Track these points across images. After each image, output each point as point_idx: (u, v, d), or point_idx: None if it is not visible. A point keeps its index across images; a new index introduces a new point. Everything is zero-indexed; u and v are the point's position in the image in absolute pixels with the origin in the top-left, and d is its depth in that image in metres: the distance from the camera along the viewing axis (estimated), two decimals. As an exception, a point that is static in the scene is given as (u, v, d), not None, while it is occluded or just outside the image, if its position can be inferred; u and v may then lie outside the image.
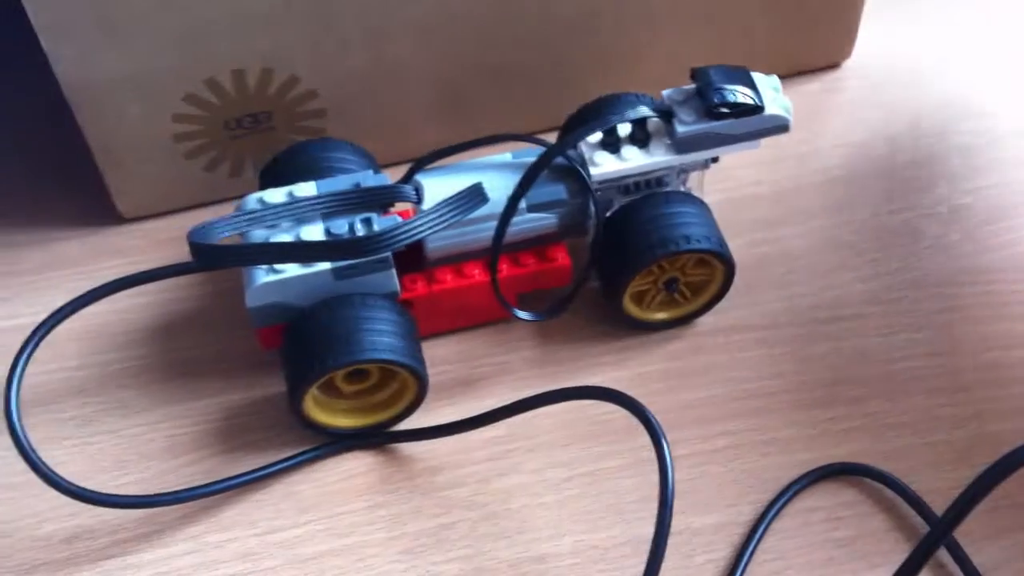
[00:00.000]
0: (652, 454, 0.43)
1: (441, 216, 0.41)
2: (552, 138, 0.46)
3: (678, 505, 0.42)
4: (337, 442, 0.44)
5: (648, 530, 0.41)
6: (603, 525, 0.42)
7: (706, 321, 0.47)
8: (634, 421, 0.44)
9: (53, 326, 0.42)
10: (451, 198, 0.41)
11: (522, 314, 0.45)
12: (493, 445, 0.44)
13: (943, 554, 0.40)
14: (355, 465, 0.43)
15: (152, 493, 0.42)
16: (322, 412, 0.43)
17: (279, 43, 0.46)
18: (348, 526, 0.42)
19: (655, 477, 0.42)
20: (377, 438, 0.44)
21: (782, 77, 0.45)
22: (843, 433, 0.44)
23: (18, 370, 0.41)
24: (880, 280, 0.48)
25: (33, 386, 0.45)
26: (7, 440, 0.40)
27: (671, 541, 0.41)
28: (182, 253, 0.49)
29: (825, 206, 0.51)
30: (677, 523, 0.41)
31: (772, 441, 0.43)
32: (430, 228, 0.40)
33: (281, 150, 0.47)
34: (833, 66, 0.56)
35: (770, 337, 0.46)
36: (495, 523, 0.42)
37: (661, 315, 0.46)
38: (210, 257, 0.40)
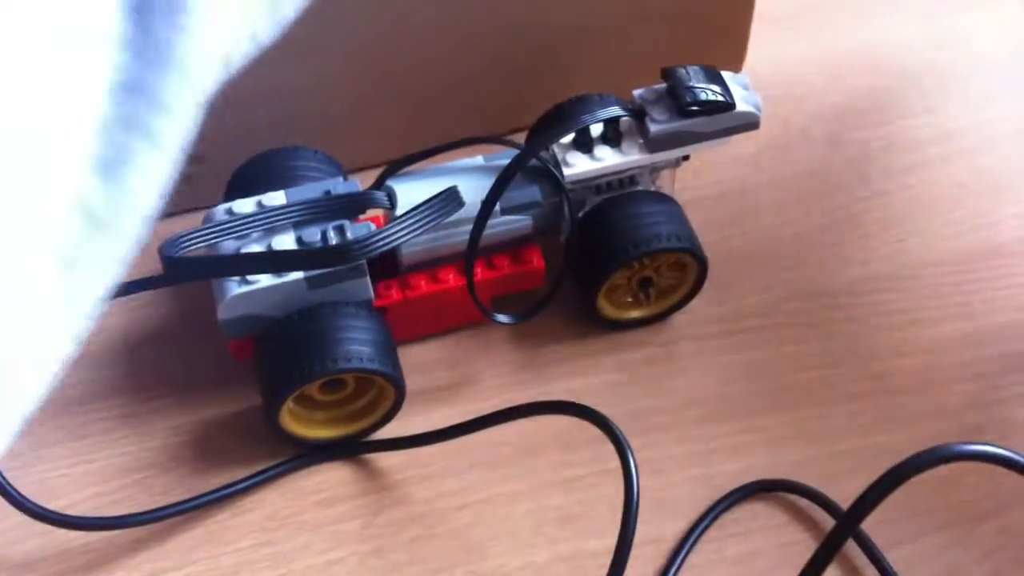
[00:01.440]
0: (548, 476, 0.42)
1: (418, 221, 0.40)
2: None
3: (570, 530, 0.41)
4: (241, 483, 0.42)
5: (543, 556, 0.41)
6: (496, 553, 0.40)
7: (598, 340, 0.46)
8: (527, 445, 0.43)
9: None
10: (427, 202, 0.40)
11: (500, 318, 0.44)
12: (384, 475, 0.42)
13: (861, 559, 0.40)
14: (243, 502, 0.42)
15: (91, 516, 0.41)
16: (299, 424, 0.42)
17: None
18: (234, 565, 0.40)
19: (550, 501, 0.42)
20: (348, 450, 0.43)
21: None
22: (739, 447, 0.43)
23: None
24: (773, 292, 0.48)
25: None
26: None
27: (562, 567, 0.40)
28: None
29: (718, 219, 0.50)
30: (568, 548, 0.40)
31: (666, 458, 0.43)
32: (409, 233, 0.39)
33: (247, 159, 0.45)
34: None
35: (666, 353, 0.46)
36: (384, 556, 0.40)
37: (635, 313, 0.46)
38: (183, 270, 0.39)
